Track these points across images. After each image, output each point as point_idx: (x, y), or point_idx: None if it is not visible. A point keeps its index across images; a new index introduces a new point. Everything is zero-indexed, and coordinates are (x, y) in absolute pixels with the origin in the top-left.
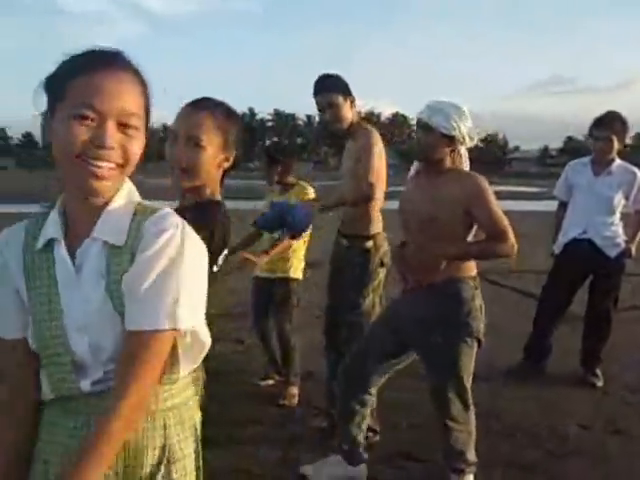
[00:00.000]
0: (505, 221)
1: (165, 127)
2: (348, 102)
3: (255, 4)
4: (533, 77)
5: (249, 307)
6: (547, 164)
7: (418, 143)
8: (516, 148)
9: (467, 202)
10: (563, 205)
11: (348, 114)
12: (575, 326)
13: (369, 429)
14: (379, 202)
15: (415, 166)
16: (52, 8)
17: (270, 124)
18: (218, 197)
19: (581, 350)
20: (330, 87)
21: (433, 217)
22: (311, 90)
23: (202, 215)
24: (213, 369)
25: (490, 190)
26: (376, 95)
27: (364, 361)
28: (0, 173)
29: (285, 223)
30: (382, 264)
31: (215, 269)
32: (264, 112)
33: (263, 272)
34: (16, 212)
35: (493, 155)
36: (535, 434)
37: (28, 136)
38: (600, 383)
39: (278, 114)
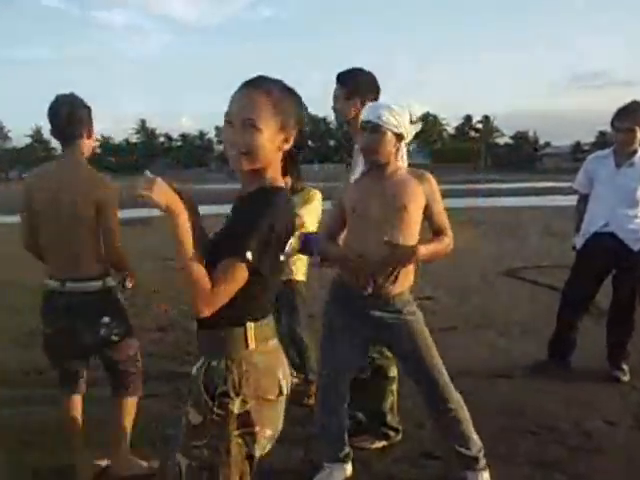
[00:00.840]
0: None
1: (202, 134)
2: (350, 102)
3: (282, 11)
4: (564, 73)
5: None
6: (579, 159)
7: (369, 144)
8: (547, 144)
9: (427, 196)
10: (584, 198)
11: (346, 112)
12: (601, 320)
13: (391, 428)
14: None
15: (360, 169)
16: (88, 20)
17: None
18: (280, 182)
19: (606, 344)
20: (340, 78)
21: (404, 206)
22: (331, 93)
23: (263, 202)
24: None
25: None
26: (406, 96)
27: (335, 380)
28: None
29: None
30: None
31: (282, 258)
32: None
33: None
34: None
35: (524, 152)
36: (559, 430)
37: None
38: (626, 378)
39: (310, 117)
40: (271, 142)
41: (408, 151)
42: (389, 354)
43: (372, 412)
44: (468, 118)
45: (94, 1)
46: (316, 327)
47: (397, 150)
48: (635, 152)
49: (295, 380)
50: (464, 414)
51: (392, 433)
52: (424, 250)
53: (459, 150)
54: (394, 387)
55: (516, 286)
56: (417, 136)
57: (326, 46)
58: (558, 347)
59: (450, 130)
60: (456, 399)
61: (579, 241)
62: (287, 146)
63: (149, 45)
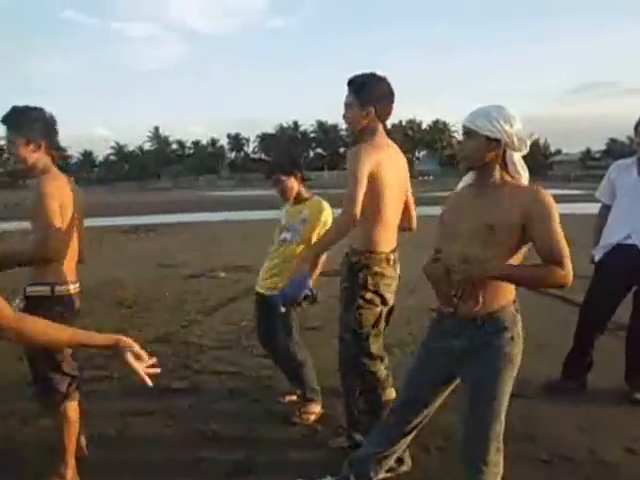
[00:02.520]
0: (566, 246)
1: (214, 141)
2: (363, 111)
3: (295, 19)
4: (575, 80)
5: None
6: (589, 167)
7: (462, 150)
8: (558, 151)
9: (527, 215)
10: (606, 208)
11: (357, 120)
12: (619, 337)
13: (397, 459)
14: (389, 222)
15: (465, 179)
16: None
17: (313, 135)
18: None
19: (625, 364)
20: (351, 86)
21: (490, 225)
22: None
23: None
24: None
25: (556, 208)
26: (416, 102)
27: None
28: None
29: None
30: (366, 287)
31: None
32: (307, 124)
33: (261, 288)
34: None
35: (534, 159)
36: (574, 459)
37: (86, 154)
38: None
39: (321, 125)
40: None
41: (417, 158)
42: (383, 375)
43: None
44: None
45: (110, 12)
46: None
47: (501, 158)
48: None
49: (294, 397)
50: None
51: (395, 464)
52: (506, 270)
53: None
54: None
55: (530, 298)
56: (427, 144)
57: (341, 53)
58: (574, 368)
59: (460, 137)
60: (494, 462)
61: (598, 253)
62: None
63: (165, 54)
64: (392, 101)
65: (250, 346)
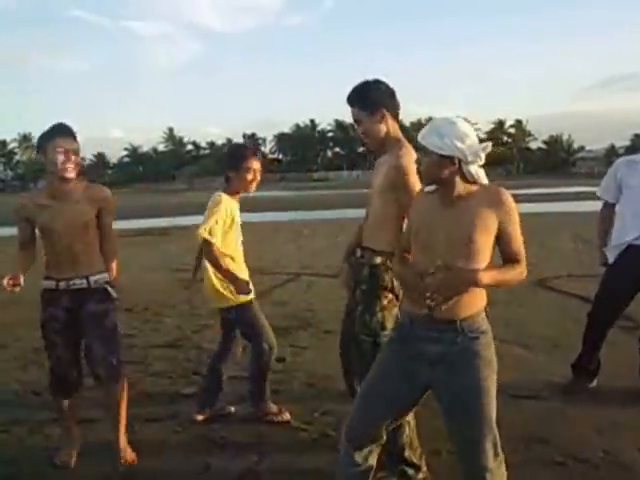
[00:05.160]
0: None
1: (230, 142)
2: (377, 116)
3: (312, 16)
4: (597, 74)
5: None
6: (612, 163)
7: (420, 166)
8: (581, 148)
9: (501, 221)
10: (611, 207)
11: (376, 129)
12: (634, 332)
13: (410, 464)
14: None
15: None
16: (118, 30)
17: (331, 134)
18: None
19: None
20: (353, 101)
21: (469, 237)
22: None
23: None
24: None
25: (517, 209)
26: (435, 100)
27: (368, 419)
28: None
29: None
30: (387, 288)
31: None
32: (325, 123)
33: None
34: None
35: (558, 156)
36: (588, 461)
37: (100, 156)
38: None
39: (339, 124)
40: None
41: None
42: None
43: (389, 445)
44: (500, 123)
45: (123, 11)
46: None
47: (453, 173)
48: None
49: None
50: None
51: (411, 471)
52: (487, 278)
53: (491, 155)
54: (409, 418)
55: (546, 297)
56: None
57: (359, 51)
58: (584, 369)
59: (482, 135)
60: (496, 468)
61: (611, 254)
62: None
63: (178, 54)
64: (394, 96)
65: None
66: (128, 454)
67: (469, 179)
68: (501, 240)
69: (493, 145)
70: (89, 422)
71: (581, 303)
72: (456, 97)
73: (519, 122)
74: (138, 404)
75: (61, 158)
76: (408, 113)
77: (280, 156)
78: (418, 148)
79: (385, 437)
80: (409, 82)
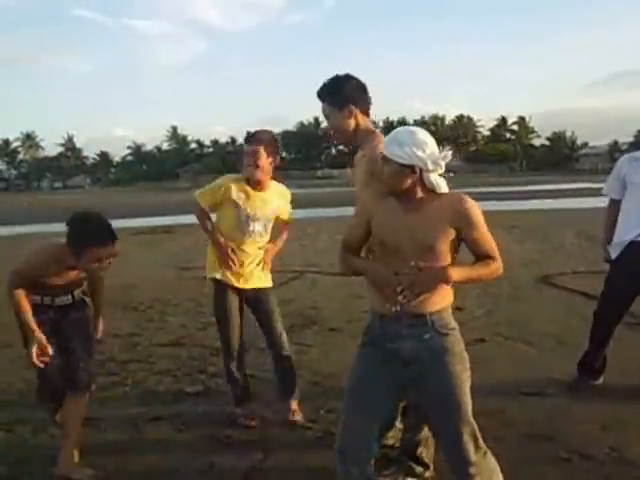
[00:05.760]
0: (494, 242)
1: (233, 140)
2: (345, 112)
3: (313, 15)
4: (601, 70)
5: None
6: (617, 159)
7: (384, 175)
8: (585, 144)
9: (461, 224)
10: (616, 204)
11: (344, 125)
12: (636, 328)
13: (421, 462)
14: None
15: None
16: (121, 29)
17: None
18: None
19: None
20: (323, 97)
21: (431, 246)
22: (373, 97)
23: None
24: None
25: (480, 210)
26: (438, 100)
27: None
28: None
29: None
30: None
31: None
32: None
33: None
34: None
35: (561, 153)
36: (594, 457)
37: (103, 155)
38: None
39: None
40: None
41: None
42: None
43: (404, 442)
44: (503, 119)
45: (126, 10)
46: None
47: (415, 182)
48: None
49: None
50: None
51: (420, 469)
52: (457, 275)
53: (495, 152)
54: None
55: (550, 294)
56: (452, 139)
57: (362, 47)
58: (590, 367)
59: (485, 132)
60: (479, 460)
61: (615, 251)
62: None
63: (182, 52)
64: (366, 91)
65: (266, 348)
66: (63, 467)
67: (430, 188)
68: (469, 245)
69: (496, 142)
70: (92, 421)
71: (585, 300)
72: (459, 95)
73: (522, 119)
74: (142, 403)
75: None
76: (412, 111)
77: (284, 154)
78: (381, 157)
79: (379, 446)
80: (413, 80)
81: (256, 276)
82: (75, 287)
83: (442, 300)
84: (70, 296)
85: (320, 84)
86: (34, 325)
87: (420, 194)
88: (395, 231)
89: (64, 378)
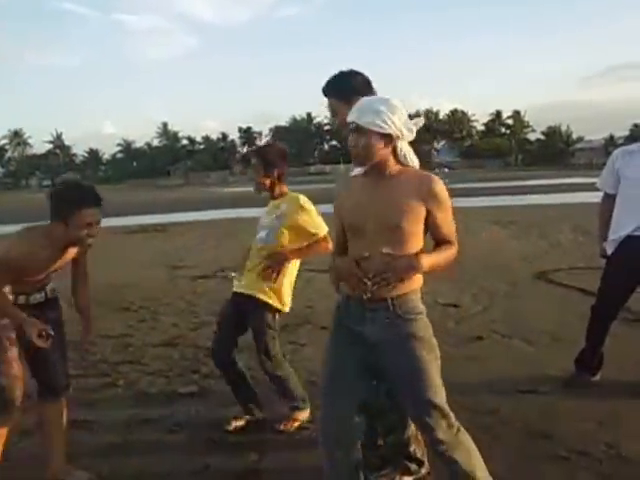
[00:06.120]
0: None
1: (225, 136)
2: (349, 105)
3: (306, 8)
4: (597, 64)
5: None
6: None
7: (355, 147)
8: (580, 138)
9: (428, 206)
10: (610, 198)
11: None
12: (635, 324)
13: (415, 460)
14: None
15: (358, 169)
16: (110, 24)
17: (327, 127)
18: None
19: None
20: (329, 92)
21: (397, 225)
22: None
23: None
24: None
25: (446, 191)
26: (434, 92)
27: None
28: None
29: None
30: None
31: None
32: (322, 115)
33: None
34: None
35: (556, 147)
36: (592, 455)
37: (92, 152)
38: None
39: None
40: None
41: (436, 150)
42: None
43: (393, 442)
44: (498, 114)
45: (115, 4)
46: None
47: (393, 151)
48: None
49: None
50: (467, 460)
51: (415, 466)
52: (427, 262)
53: (490, 147)
54: None
55: (547, 290)
56: (446, 134)
57: (355, 42)
58: (587, 364)
59: (479, 126)
60: (450, 440)
61: (610, 247)
62: None
63: (172, 47)
64: (371, 85)
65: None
66: (54, 471)
67: (401, 159)
68: (431, 225)
69: (491, 137)
70: (85, 423)
71: (582, 296)
72: (455, 89)
73: (517, 113)
74: (135, 404)
75: None
76: (408, 105)
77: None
78: (352, 128)
79: (362, 428)
80: (408, 74)
81: (249, 282)
82: (47, 282)
83: (407, 284)
84: (43, 293)
85: (326, 80)
86: (21, 313)
87: (390, 169)
88: (360, 211)
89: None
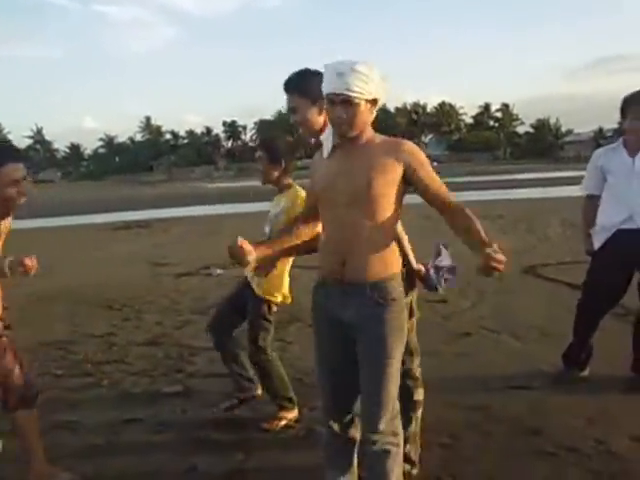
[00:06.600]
0: None
1: (209, 130)
2: (317, 107)
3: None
4: (586, 56)
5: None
6: (600, 146)
7: (344, 119)
8: (569, 131)
9: (405, 163)
10: (594, 200)
11: (313, 120)
12: (626, 319)
13: (408, 460)
14: None
15: (330, 144)
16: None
17: None
18: None
19: (632, 353)
20: (292, 88)
21: (368, 182)
22: None
23: None
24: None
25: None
26: (421, 85)
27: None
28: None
29: None
30: None
31: None
32: None
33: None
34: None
35: (545, 140)
36: (581, 451)
37: (74, 147)
38: None
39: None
40: None
41: (423, 143)
42: (417, 373)
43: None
44: (486, 106)
45: None
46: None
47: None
48: None
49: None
50: (391, 463)
51: (407, 466)
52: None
53: (478, 140)
54: (419, 414)
55: (535, 285)
56: (434, 127)
57: (341, 34)
58: (575, 359)
59: (468, 119)
60: (388, 435)
61: (598, 239)
62: None
63: (155, 39)
64: None
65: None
66: (38, 473)
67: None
68: (416, 184)
69: (479, 130)
70: (68, 424)
71: (570, 291)
72: (442, 81)
73: (506, 106)
74: (119, 404)
75: None
76: (395, 98)
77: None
78: (340, 100)
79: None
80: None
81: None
82: None
83: (385, 269)
84: None
85: (289, 76)
86: None
87: (367, 135)
88: (334, 175)
89: None
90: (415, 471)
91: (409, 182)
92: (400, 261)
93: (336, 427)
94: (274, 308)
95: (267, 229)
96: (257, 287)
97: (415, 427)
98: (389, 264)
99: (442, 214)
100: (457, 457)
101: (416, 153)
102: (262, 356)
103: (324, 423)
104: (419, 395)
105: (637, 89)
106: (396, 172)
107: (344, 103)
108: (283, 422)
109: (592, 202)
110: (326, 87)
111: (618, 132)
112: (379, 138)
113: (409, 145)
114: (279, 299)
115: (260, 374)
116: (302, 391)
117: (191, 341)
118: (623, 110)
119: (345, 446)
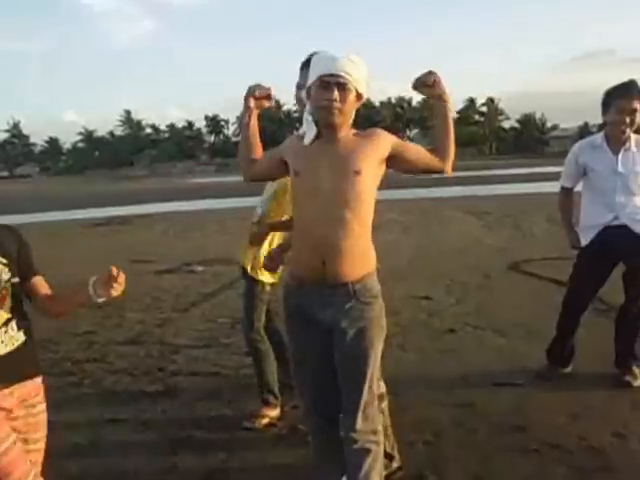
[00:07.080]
0: None
1: (190, 124)
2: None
3: None
4: (572, 50)
5: None
6: None
7: (339, 104)
8: (554, 127)
9: (385, 145)
10: (570, 192)
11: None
12: (608, 314)
13: (386, 454)
14: None
15: (310, 135)
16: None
17: (296, 115)
18: None
19: (615, 348)
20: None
21: (356, 171)
22: None
23: None
24: (215, 387)
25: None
26: (405, 79)
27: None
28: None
29: None
30: None
31: None
32: (291, 103)
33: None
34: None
35: (531, 136)
36: (564, 447)
37: (52, 141)
38: (638, 382)
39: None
40: None
41: (408, 138)
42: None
43: None
44: (472, 101)
45: None
46: None
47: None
48: (629, 136)
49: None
50: (373, 462)
51: (385, 461)
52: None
53: (463, 135)
54: (383, 405)
55: (520, 281)
56: (419, 122)
57: (326, 24)
58: (559, 355)
59: (454, 115)
60: (362, 430)
61: (585, 236)
62: None
63: (135, 31)
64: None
65: (229, 344)
66: None
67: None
68: (406, 159)
69: (464, 124)
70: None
71: (555, 287)
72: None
73: (491, 100)
74: (100, 403)
75: None
76: (378, 91)
77: None
78: (338, 83)
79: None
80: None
81: (244, 254)
82: None
83: (365, 266)
84: None
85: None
86: None
87: (348, 128)
88: (314, 160)
89: None
90: (395, 464)
91: (393, 164)
92: (374, 255)
93: (320, 422)
94: (267, 288)
95: (259, 211)
96: (250, 268)
97: (383, 420)
98: (370, 260)
99: (438, 160)
100: (441, 455)
101: (390, 135)
102: (256, 336)
103: (307, 424)
104: (381, 388)
105: (619, 82)
106: (384, 152)
107: (338, 86)
108: (265, 420)
109: (569, 194)
110: (321, 69)
111: (602, 127)
112: (355, 132)
113: (382, 131)
114: (270, 279)
115: (254, 358)
116: (284, 390)
117: (173, 339)
118: (605, 103)
119: (330, 445)
